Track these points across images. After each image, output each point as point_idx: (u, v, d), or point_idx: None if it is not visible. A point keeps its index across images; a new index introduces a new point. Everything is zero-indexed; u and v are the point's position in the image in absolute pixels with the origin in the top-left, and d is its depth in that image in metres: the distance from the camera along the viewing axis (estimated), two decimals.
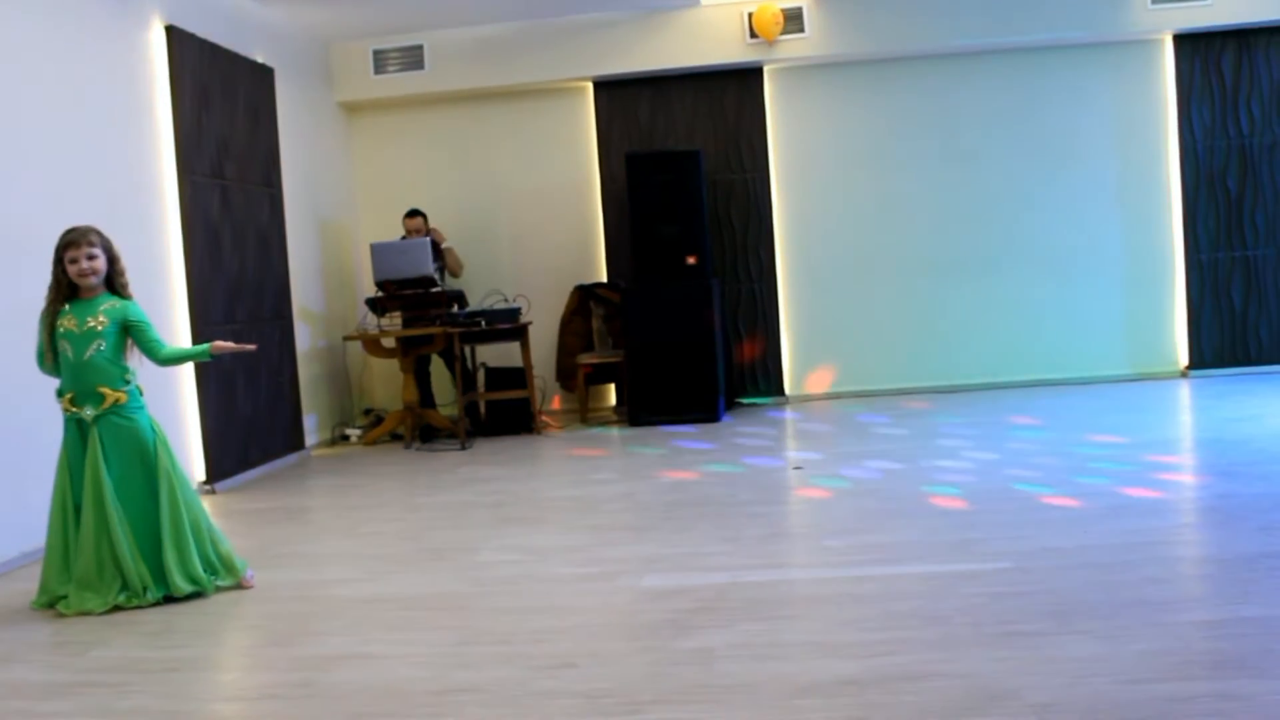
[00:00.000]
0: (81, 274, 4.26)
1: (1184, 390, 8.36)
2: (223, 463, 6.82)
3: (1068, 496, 5.13)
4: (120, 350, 4.35)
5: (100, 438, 4.29)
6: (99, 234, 4.34)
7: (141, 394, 4.42)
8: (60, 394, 4.34)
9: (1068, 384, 8.95)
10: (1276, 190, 8.81)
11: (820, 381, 9.27)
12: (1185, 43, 8.79)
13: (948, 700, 2.87)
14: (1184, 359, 8.99)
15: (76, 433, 4.33)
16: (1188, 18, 8.58)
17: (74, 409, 4.30)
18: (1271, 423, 6.68)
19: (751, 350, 9.22)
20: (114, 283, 4.37)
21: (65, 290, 4.31)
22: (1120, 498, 5.03)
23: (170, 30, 6.62)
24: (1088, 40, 8.80)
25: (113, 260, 4.36)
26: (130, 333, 4.37)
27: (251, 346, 4.90)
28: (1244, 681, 2.86)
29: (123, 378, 4.33)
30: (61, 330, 4.28)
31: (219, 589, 4.42)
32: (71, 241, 4.27)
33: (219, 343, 4.58)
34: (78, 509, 4.30)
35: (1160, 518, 4.70)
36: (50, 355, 4.32)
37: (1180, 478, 5.58)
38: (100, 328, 4.27)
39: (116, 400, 4.28)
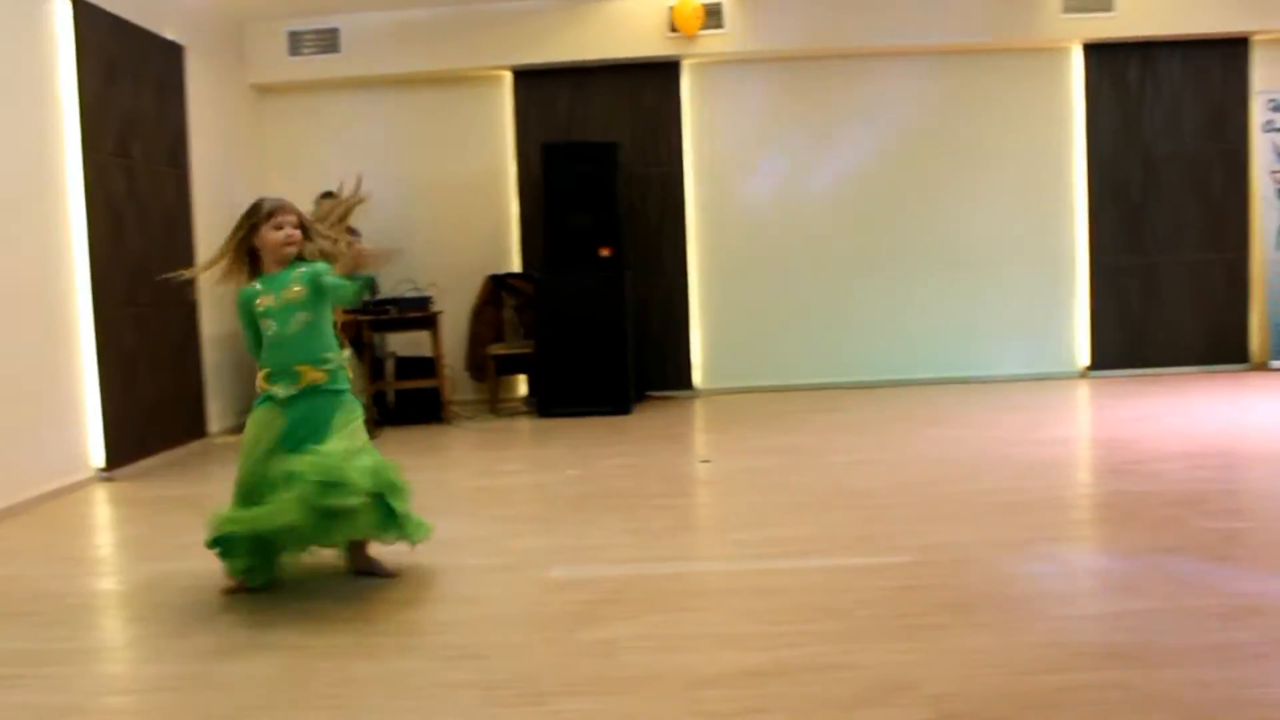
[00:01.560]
0: (291, 240, 4.08)
1: (1083, 390, 8.59)
2: (122, 448, 6.65)
3: (967, 492, 5.23)
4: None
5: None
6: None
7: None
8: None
9: (973, 382, 9.13)
10: (1175, 199, 9.09)
11: (730, 375, 9.34)
12: (1094, 52, 9.01)
13: (849, 691, 2.91)
14: (1084, 360, 9.24)
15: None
16: (1096, 28, 8.81)
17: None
18: (1164, 423, 6.89)
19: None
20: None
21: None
22: (1018, 494, 5.15)
23: (76, 3, 6.43)
24: (1001, 45, 8.98)
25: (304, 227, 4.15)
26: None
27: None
28: (1129, 671, 2.95)
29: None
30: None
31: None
32: (280, 206, 4.09)
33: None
34: None
35: (1056, 513, 4.82)
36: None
37: (1076, 475, 5.73)
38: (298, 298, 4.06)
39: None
